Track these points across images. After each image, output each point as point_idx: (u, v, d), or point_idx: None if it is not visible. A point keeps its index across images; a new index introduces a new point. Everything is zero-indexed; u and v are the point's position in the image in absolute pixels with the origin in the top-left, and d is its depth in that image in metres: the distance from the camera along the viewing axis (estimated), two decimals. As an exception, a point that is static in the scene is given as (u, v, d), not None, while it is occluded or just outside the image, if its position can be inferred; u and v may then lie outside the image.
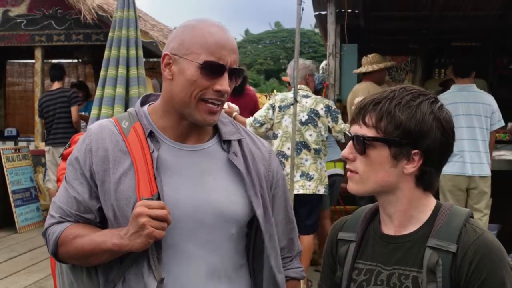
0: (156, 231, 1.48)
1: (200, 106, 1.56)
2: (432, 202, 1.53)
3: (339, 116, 5.21)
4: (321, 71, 9.71)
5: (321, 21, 8.65)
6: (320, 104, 5.12)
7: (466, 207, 5.23)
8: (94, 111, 4.70)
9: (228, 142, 1.68)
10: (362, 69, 6.50)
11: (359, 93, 6.14)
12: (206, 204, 1.58)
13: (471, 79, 5.35)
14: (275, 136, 5.11)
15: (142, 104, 1.72)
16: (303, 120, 5.03)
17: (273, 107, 5.11)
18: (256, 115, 5.18)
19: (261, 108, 5.45)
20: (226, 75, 1.55)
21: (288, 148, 4.97)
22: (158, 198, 1.53)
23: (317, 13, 8.41)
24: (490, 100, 5.31)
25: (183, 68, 1.56)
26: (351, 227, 1.62)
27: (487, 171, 5.22)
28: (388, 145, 1.45)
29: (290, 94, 5.11)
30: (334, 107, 5.27)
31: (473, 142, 5.16)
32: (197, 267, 1.58)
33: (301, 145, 5.00)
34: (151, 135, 1.62)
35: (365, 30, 9.02)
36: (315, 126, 5.05)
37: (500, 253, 1.41)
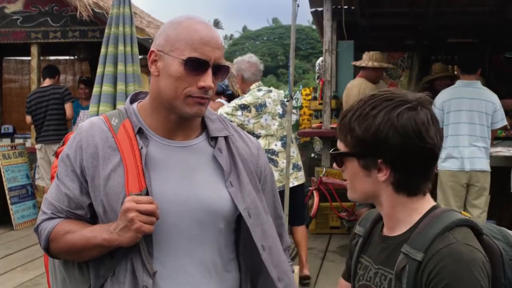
0: (145, 226, 1.49)
1: (187, 101, 1.58)
2: (424, 205, 1.50)
3: None
4: (317, 68, 9.74)
5: (317, 17, 8.66)
6: (281, 94, 5.19)
7: (465, 203, 5.26)
8: (92, 108, 4.69)
9: (216, 138, 1.70)
10: (358, 62, 6.61)
11: (354, 90, 6.17)
12: (194, 199, 1.60)
13: (476, 75, 5.40)
14: (256, 137, 5.05)
15: (132, 101, 1.74)
16: (281, 112, 5.04)
17: (242, 107, 4.88)
18: (222, 111, 4.86)
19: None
20: (209, 71, 1.57)
21: (276, 145, 4.99)
22: (147, 194, 1.55)
23: (313, 9, 8.42)
24: (493, 98, 5.35)
25: (168, 64, 1.58)
26: (364, 222, 1.69)
27: (487, 166, 5.26)
28: (356, 157, 1.51)
29: (259, 93, 5.02)
30: None
31: (473, 138, 5.20)
32: (186, 261, 1.60)
33: (286, 138, 5.01)
34: (140, 132, 1.64)
35: (362, 27, 9.03)
36: (287, 116, 5.07)
37: (468, 265, 1.33)
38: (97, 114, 4.58)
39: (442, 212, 1.46)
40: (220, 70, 1.60)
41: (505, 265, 1.43)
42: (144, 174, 1.56)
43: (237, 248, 1.71)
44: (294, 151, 5.10)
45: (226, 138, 1.71)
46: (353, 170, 1.52)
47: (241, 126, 4.93)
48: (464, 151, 5.18)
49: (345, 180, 1.62)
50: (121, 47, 4.70)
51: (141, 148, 1.59)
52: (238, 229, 1.69)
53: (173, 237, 1.58)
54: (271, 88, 5.27)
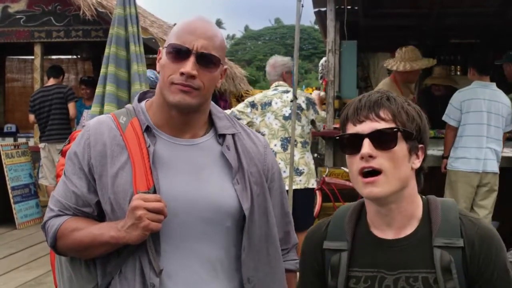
0: (153, 224, 1.50)
1: (171, 89, 1.59)
2: (419, 197, 1.56)
3: (317, 106, 5.31)
4: (320, 68, 9.74)
5: (320, 17, 8.65)
6: (301, 97, 5.12)
7: (472, 204, 5.26)
8: (95, 109, 4.68)
9: (223, 136, 1.70)
10: (389, 65, 5.76)
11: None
12: (201, 197, 1.60)
13: (489, 77, 5.41)
14: (261, 135, 5.06)
15: (140, 100, 1.75)
16: (287, 115, 5.02)
17: (252, 105, 5.06)
18: (235, 109, 5.16)
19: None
20: (191, 59, 1.57)
21: (275, 145, 5.00)
22: (154, 192, 1.55)
23: (316, 9, 8.41)
24: (507, 101, 5.37)
25: (162, 57, 1.64)
26: (336, 235, 1.57)
27: (497, 168, 5.27)
28: (406, 139, 1.48)
29: (270, 92, 5.11)
30: (312, 98, 5.37)
31: (488, 139, 5.22)
32: (193, 259, 1.60)
33: (287, 141, 5.00)
34: (147, 130, 1.64)
35: (365, 27, 9.03)
36: (299, 119, 5.05)
37: (498, 237, 1.48)
38: (99, 115, 4.57)
39: (435, 199, 1.54)
40: (205, 59, 1.59)
41: None
42: (152, 172, 1.56)
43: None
44: (296, 154, 4.99)
45: (233, 136, 1.71)
46: (402, 153, 1.45)
47: (250, 123, 5.02)
48: (479, 152, 5.18)
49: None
50: (132, 47, 4.69)
51: (149, 146, 1.60)
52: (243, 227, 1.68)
53: (180, 235, 1.59)
54: (289, 88, 5.13)
